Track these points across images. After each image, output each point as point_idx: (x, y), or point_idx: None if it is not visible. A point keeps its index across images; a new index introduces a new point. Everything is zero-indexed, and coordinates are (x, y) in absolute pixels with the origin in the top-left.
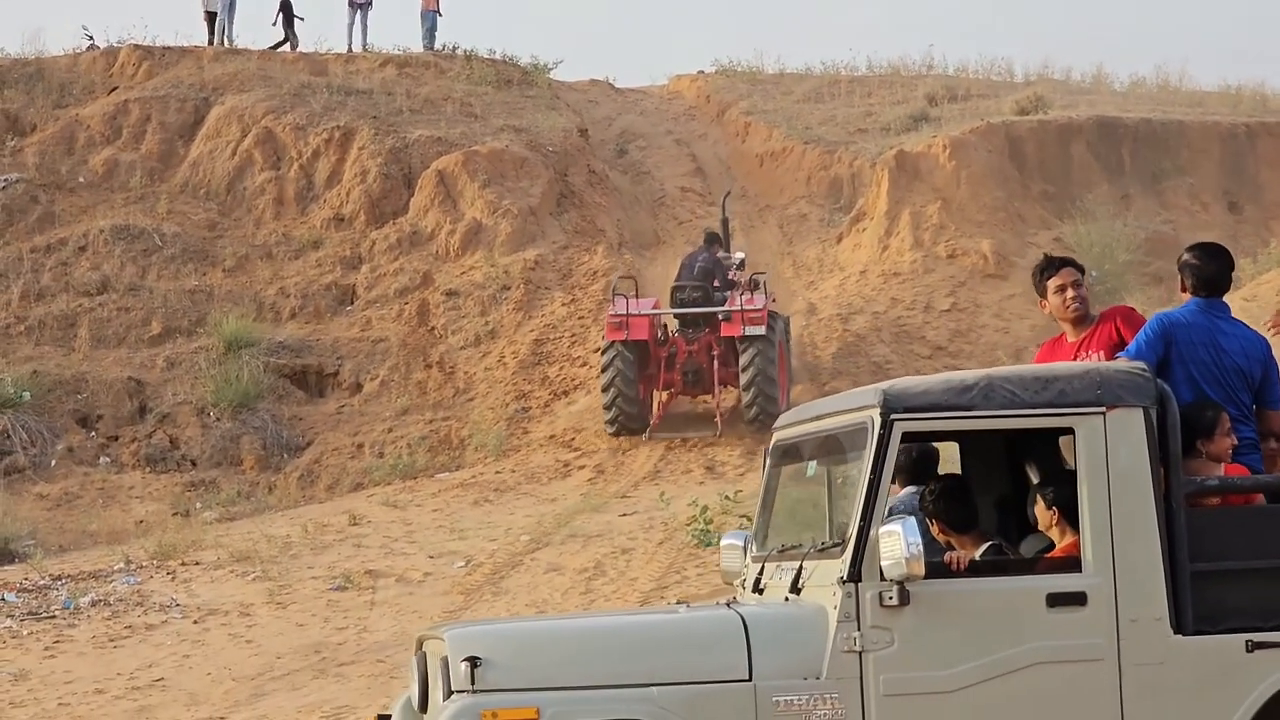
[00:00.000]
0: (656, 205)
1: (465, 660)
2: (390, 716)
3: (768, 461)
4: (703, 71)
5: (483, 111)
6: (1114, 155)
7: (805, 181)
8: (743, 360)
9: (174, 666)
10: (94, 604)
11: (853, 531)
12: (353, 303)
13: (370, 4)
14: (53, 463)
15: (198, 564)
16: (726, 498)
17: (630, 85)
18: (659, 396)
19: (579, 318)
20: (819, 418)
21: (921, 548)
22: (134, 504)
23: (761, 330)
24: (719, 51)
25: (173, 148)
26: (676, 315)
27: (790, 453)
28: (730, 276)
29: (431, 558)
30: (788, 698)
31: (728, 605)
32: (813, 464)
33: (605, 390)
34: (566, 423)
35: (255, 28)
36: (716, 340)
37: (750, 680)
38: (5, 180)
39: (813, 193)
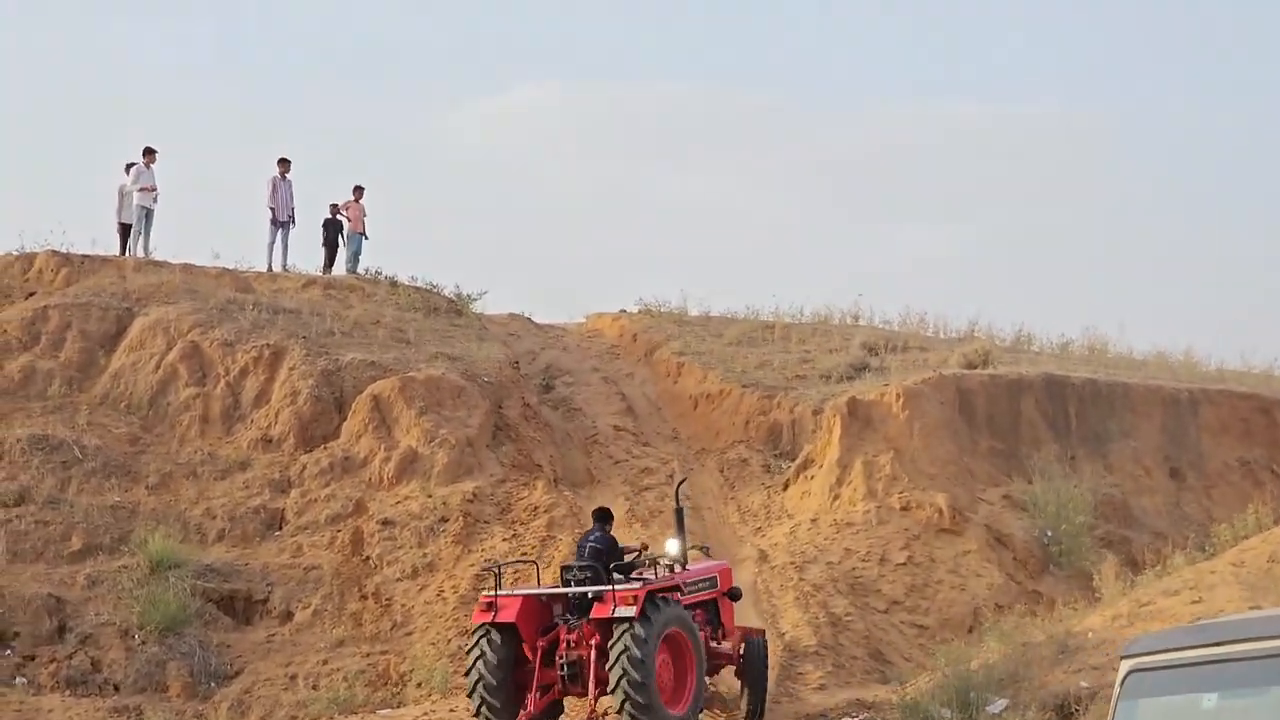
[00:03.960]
0: (589, 443)
1: None
2: None
3: (1118, 693)
4: (624, 310)
5: (415, 338)
6: (1061, 414)
7: (744, 426)
8: (609, 645)
9: None
10: None
11: None
12: (282, 528)
13: (292, 222)
14: None
15: None
16: None
17: (547, 321)
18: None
19: (521, 553)
20: (1224, 643)
21: None
22: None
23: (631, 612)
24: (629, 292)
25: (93, 357)
26: (548, 596)
27: (1161, 684)
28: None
29: None
30: None
31: None
32: (1212, 696)
33: (467, 676)
34: None
35: (174, 242)
36: (597, 627)
37: None
38: None
39: (751, 437)
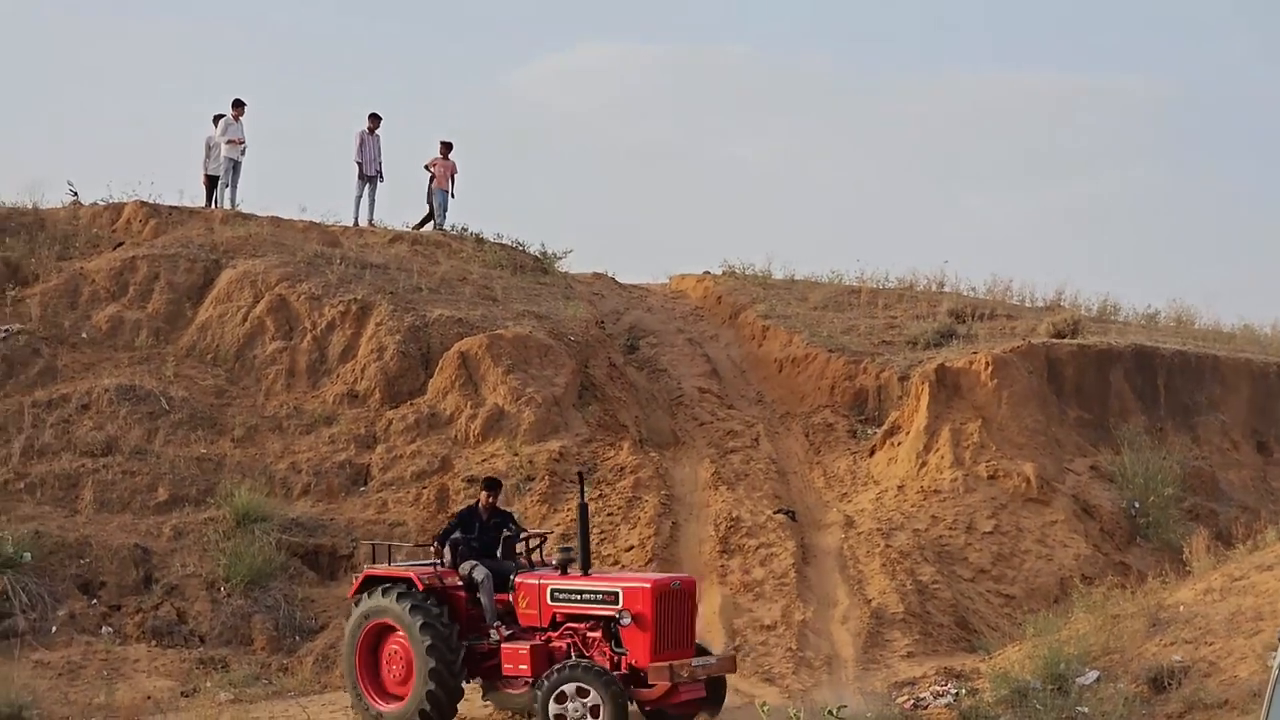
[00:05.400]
0: (674, 404)
1: None
2: None
3: (1276, 677)
4: (708, 272)
5: (501, 295)
6: (1150, 386)
7: (829, 390)
8: None
9: None
10: None
11: None
12: (367, 483)
13: (380, 177)
14: (53, 629)
15: None
16: (830, 712)
17: (631, 281)
18: None
19: (607, 514)
20: None
21: None
22: (140, 678)
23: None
24: (715, 254)
25: (180, 309)
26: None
27: None
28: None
29: None
30: None
31: None
32: None
33: None
34: None
35: (260, 194)
36: None
37: None
38: (6, 330)
39: (837, 402)
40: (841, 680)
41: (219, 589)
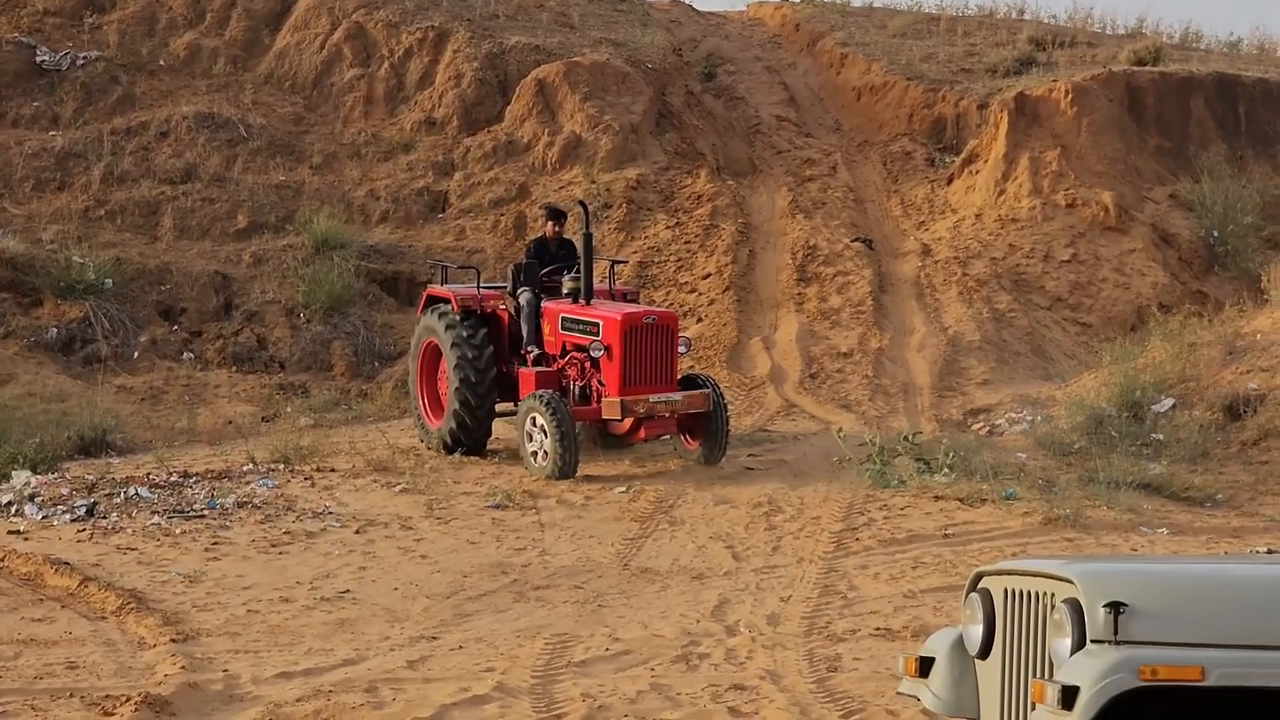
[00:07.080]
0: (752, 132)
1: (1107, 606)
2: (933, 660)
3: None
4: None
5: (579, 22)
6: (1230, 114)
7: (907, 119)
8: None
9: (353, 579)
10: (240, 506)
11: None
12: (445, 210)
13: None
14: (135, 355)
15: (334, 471)
16: (906, 438)
17: (708, 8)
18: None
19: (684, 242)
20: None
21: None
22: (221, 403)
23: None
24: None
25: (258, 36)
26: None
27: None
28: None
29: (585, 480)
30: None
31: None
32: None
33: None
34: None
35: None
36: None
37: None
38: (85, 58)
39: (915, 131)
40: (917, 407)
41: (298, 315)
